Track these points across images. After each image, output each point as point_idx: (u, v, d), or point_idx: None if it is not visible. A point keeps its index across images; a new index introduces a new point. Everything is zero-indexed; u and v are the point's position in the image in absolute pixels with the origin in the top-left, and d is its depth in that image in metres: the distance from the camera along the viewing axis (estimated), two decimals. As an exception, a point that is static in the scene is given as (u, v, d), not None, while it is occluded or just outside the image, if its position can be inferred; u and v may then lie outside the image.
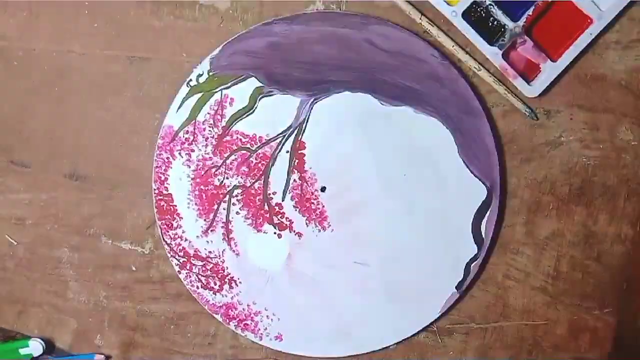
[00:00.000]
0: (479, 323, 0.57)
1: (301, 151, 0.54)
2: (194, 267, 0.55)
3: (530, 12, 0.53)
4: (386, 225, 0.54)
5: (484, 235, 0.55)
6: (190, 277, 0.55)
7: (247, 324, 0.55)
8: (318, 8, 0.53)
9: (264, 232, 0.55)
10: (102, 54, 0.54)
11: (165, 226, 0.54)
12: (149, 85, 0.54)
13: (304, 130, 0.54)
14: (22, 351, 0.55)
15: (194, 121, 0.53)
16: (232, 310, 0.55)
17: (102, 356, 0.56)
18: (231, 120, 0.54)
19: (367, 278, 0.55)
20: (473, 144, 0.54)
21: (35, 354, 0.55)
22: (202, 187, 0.54)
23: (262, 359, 0.57)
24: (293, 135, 0.54)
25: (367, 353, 0.56)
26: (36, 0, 0.53)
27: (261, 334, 0.55)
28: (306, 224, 0.55)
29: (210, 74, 0.53)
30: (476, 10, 0.53)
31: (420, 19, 0.50)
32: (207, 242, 0.54)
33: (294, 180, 0.54)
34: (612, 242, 0.56)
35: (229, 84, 0.53)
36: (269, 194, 0.54)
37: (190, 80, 0.53)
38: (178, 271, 0.55)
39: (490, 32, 0.53)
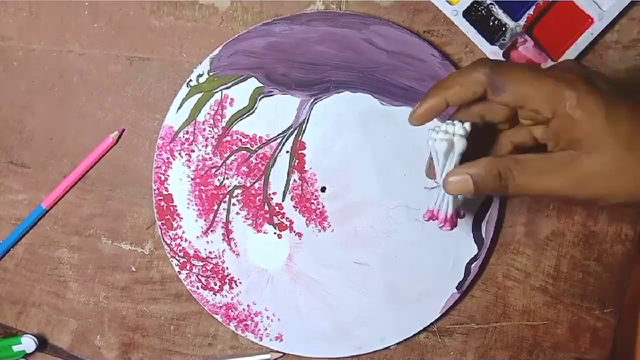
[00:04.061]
0: (479, 323, 0.57)
1: (301, 151, 0.54)
2: (194, 268, 0.55)
3: (531, 11, 0.53)
4: (386, 225, 0.54)
5: (484, 236, 0.54)
6: (190, 277, 0.55)
7: (247, 325, 0.55)
8: (318, 8, 0.53)
9: (264, 233, 0.55)
10: (102, 54, 0.54)
11: (165, 226, 0.54)
12: (149, 86, 0.54)
13: (304, 131, 0.54)
14: (15, 348, 0.55)
15: (193, 121, 0.53)
16: (232, 311, 0.55)
17: None
18: (231, 120, 0.54)
19: (367, 278, 0.55)
20: (473, 144, 0.54)
21: (28, 351, 0.55)
22: (202, 187, 0.54)
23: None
24: (293, 136, 0.54)
25: (367, 353, 0.56)
26: (36, 0, 0.53)
27: (261, 334, 0.55)
28: (306, 224, 0.55)
29: (211, 74, 0.53)
30: (477, 9, 0.53)
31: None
32: (207, 242, 0.54)
33: (294, 181, 0.54)
34: (612, 242, 0.56)
35: (229, 84, 0.53)
36: (269, 194, 0.54)
37: (190, 80, 0.53)
38: (178, 271, 0.55)
39: (491, 32, 0.53)
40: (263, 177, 0.54)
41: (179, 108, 0.53)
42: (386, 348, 0.56)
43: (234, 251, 0.55)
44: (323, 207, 0.54)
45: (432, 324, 0.56)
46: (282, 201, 0.54)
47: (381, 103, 0.54)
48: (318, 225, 0.55)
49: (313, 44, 0.53)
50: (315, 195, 0.54)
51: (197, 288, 0.55)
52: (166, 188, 0.54)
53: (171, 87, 0.54)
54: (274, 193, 0.54)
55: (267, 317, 0.55)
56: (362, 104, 0.54)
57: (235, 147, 0.54)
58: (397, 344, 0.56)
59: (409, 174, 0.54)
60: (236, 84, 0.53)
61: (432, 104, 0.44)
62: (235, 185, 0.54)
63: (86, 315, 0.56)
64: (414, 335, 0.56)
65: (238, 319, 0.55)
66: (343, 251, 0.55)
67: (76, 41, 0.54)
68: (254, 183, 0.54)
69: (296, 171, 0.54)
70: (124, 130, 0.55)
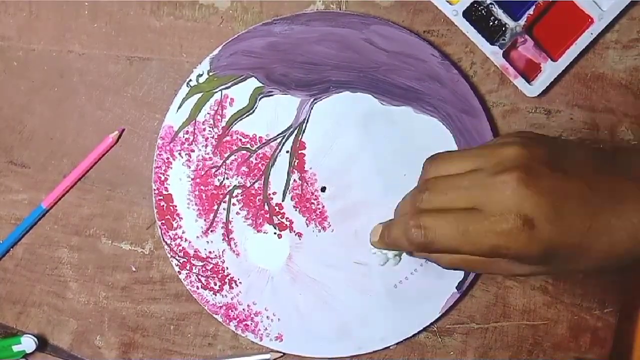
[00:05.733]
0: (479, 323, 0.57)
1: (301, 151, 0.54)
2: (194, 268, 0.55)
3: (531, 11, 0.53)
4: (386, 225, 0.54)
5: (484, 235, 0.54)
6: (190, 277, 0.55)
7: (248, 325, 0.55)
8: (318, 8, 0.53)
9: (264, 233, 0.55)
10: (102, 54, 0.54)
11: (165, 226, 0.54)
12: (149, 85, 0.54)
13: (304, 131, 0.54)
14: (15, 348, 0.55)
15: (193, 121, 0.53)
16: (232, 311, 0.55)
17: None
18: (231, 120, 0.54)
19: (367, 278, 0.55)
20: (473, 144, 0.54)
21: (28, 351, 0.55)
22: (202, 187, 0.54)
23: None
24: (293, 136, 0.54)
25: (367, 353, 0.56)
26: (36, 0, 0.53)
27: (261, 334, 0.55)
28: (306, 224, 0.55)
29: (210, 74, 0.53)
30: (477, 9, 0.53)
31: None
32: (207, 242, 0.54)
33: (294, 181, 0.54)
34: (612, 242, 0.56)
35: (229, 84, 0.53)
36: (269, 194, 0.54)
37: (190, 80, 0.53)
38: (178, 271, 0.55)
39: (491, 32, 0.53)
40: (263, 177, 0.54)
41: (179, 108, 0.53)
42: (386, 348, 0.56)
43: (234, 251, 0.55)
44: (323, 207, 0.54)
45: (432, 324, 0.56)
46: (282, 201, 0.54)
47: (381, 103, 0.54)
48: (318, 225, 0.55)
49: (313, 44, 0.53)
50: (315, 195, 0.54)
51: (197, 288, 0.55)
52: (166, 188, 0.54)
53: (171, 87, 0.54)
54: (274, 193, 0.54)
55: (267, 317, 0.55)
56: (362, 104, 0.54)
57: (235, 147, 0.54)
58: (397, 344, 0.56)
59: (409, 174, 0.54)
60: (236, 84, 0.53)
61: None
62: (235, 185, 0.54)
63: (86, 315, 0.56)
64: (414, 335, 0.56)
65: (238, 319, 0.55)
66: (343, 251, 0.55)
67: (76, 41, 0.54)
68: (254, 183, 0.54)
69: (296, 171, 0.54)
70: (124, 130, 0.55)
